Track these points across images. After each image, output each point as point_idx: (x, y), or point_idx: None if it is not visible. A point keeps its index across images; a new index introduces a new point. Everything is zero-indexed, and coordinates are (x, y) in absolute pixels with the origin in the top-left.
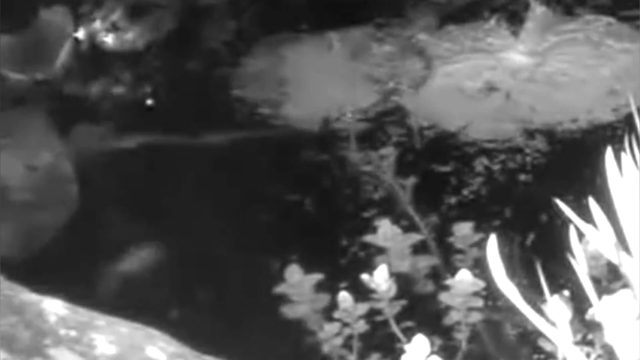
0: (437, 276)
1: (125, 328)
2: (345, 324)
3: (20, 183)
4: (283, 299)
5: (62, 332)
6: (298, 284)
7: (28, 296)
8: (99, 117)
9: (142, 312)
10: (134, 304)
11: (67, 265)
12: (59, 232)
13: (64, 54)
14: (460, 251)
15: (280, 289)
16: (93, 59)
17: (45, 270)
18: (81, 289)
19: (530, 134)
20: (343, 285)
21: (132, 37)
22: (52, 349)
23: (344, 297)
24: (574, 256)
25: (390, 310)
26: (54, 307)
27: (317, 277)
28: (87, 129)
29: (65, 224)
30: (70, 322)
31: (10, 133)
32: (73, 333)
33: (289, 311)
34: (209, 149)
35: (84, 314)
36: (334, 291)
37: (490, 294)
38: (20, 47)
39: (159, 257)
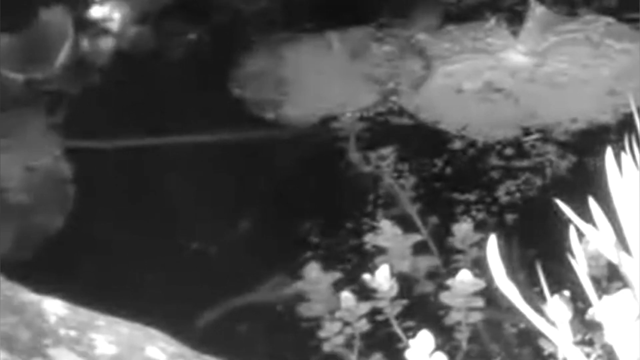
0: (438, 276)
1: (125, 328)
2: (347, 323)
3: (19, 184)
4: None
5: (62, 332)
6: None
7: (28, 296)
8: (91, 116)
9: (142, 312)
10: (134, 303)
11: (67, 265)
12: (59, 232)
13: (63, 54)
14: (460, 251)
15: None
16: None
17: (45, 270)
18: (81, 289)
19: (530, 134)
20: (343, 284)
21: (123, 14)
22: (52, 349)
23: (347, 297)
24: (574, 256)
25: (391, 310)
26: (54, 307)
27: None
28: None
29: (68, 224)
30: (70, 322)
31: (9, 134)
32: (73, 333)
33: None
34: (206, 149)
35: (84, 314)
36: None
37: (491, 294)
38: (20, 47)
39: (161, 257)
